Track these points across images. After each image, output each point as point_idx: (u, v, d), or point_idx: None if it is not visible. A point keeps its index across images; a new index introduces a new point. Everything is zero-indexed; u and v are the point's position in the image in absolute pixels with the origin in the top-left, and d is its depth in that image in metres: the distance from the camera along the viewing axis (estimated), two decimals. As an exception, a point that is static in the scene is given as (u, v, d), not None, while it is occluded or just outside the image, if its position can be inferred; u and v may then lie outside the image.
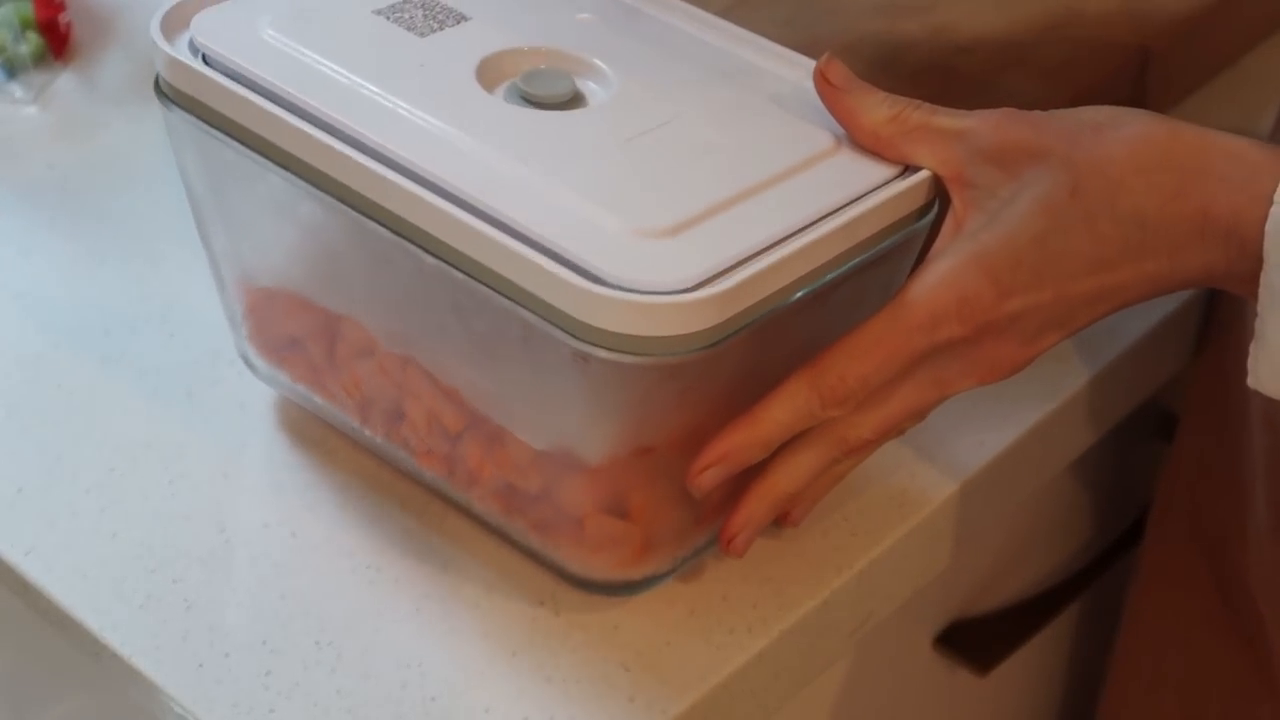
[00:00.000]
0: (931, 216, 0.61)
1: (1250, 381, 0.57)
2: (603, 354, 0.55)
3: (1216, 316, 0.78)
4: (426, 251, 0.57)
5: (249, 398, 0.72)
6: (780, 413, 0.59)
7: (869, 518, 0.68)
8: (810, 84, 0.63)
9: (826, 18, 0.84)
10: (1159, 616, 0.82)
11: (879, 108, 0.61)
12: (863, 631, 0.69)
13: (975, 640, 0.82)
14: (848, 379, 0.58)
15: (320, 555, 0.66)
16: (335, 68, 0.62)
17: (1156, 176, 0.56)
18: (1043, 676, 0.95)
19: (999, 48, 0.82)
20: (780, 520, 0.65)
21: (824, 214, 0.59)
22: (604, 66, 0.64)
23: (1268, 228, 0.53)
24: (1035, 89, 0.80)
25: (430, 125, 0.60)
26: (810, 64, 0.64)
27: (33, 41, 0.89)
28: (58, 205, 0.82)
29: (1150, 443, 0.87)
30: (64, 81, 0.90)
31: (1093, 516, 0.90)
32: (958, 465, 0.70)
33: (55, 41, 0.91)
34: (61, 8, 0.91)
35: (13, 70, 0.89)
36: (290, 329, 0.67)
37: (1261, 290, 0.54)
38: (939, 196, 0.61)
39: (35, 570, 0.66)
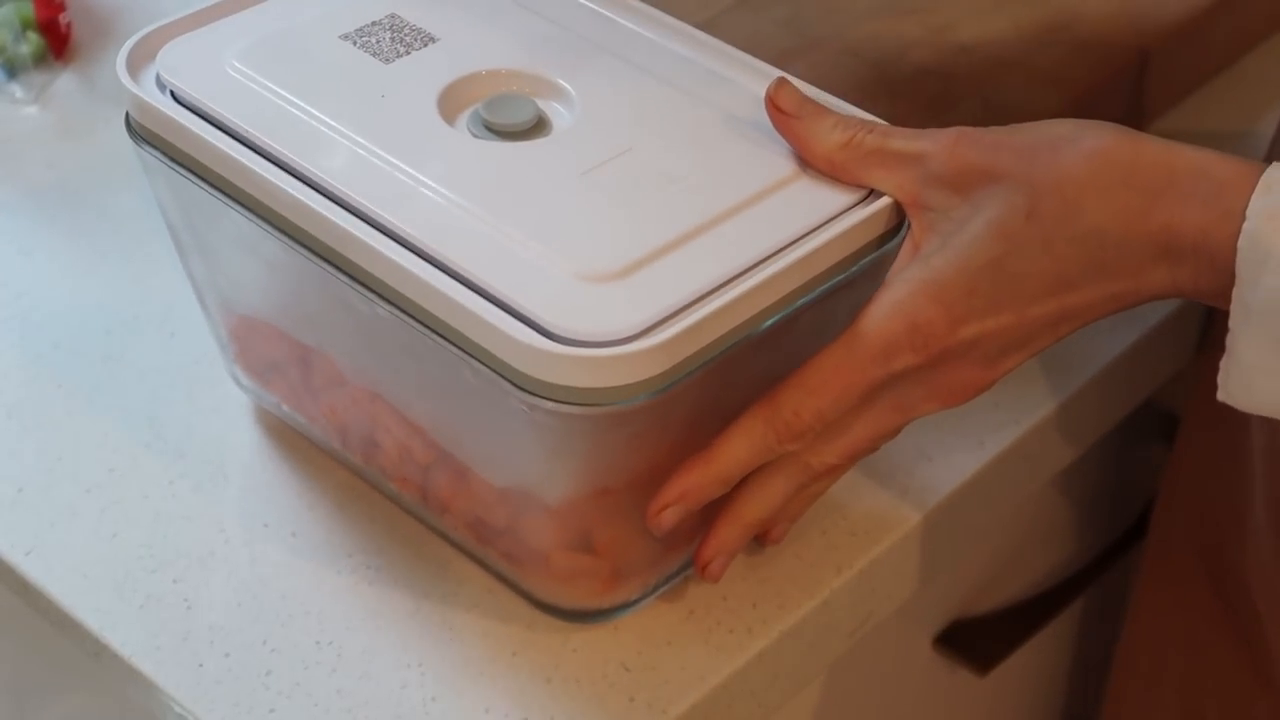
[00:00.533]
0: (900, 240, 0.60)
1: (1220, 395, 0.56)
2: (549, 405, 0.54)
3: (1219, 315, 0.78)
4: (379, 297, 0.57)
5: (249, 398, 0.72)
6: (737, 450, 0.58)
7: (868, 518, 0.68)
8: None
9: (826, 18, 0.84)
10: (1160, 615, 0.82)
11: (832, 134, 0.60)
12: (863, 631, 0.69)
13: (975, 640, 0.82)
14: (803, 415, 0.57)
15: (320, 555, 0.66)
16: (297, 103, 0.61)
17: (1118, 195, 0.55)
18: (1043, 676, 0.95)
19: (999, 49, 0.82)
20: (760, 539, 0.65)
21: (781, 247, 0.57)
22: (568, 88, 0.63)
23: (1240, 244, 0.53)
24: (1035, 90, 0.81)
25: (387, 166, 0.59)
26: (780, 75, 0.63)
27: (33, 41, 0.90)
28: (58, 205, 0.82)
29: (1150, 444, 0.87)
30: (64, 81, 0.90)
31: (1092, 517, 0.90)
32: (957, 466, 0.70)
33: (55, 41, 0.91)
34: (61, 8, 0.91)
35: (13, 70, 0.89)
36: (271, 355, 0.67)
37: (1234, 306, 0.54)
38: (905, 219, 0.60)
39: (35, 570, 0.66)
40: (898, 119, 0.79)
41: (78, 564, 0.66)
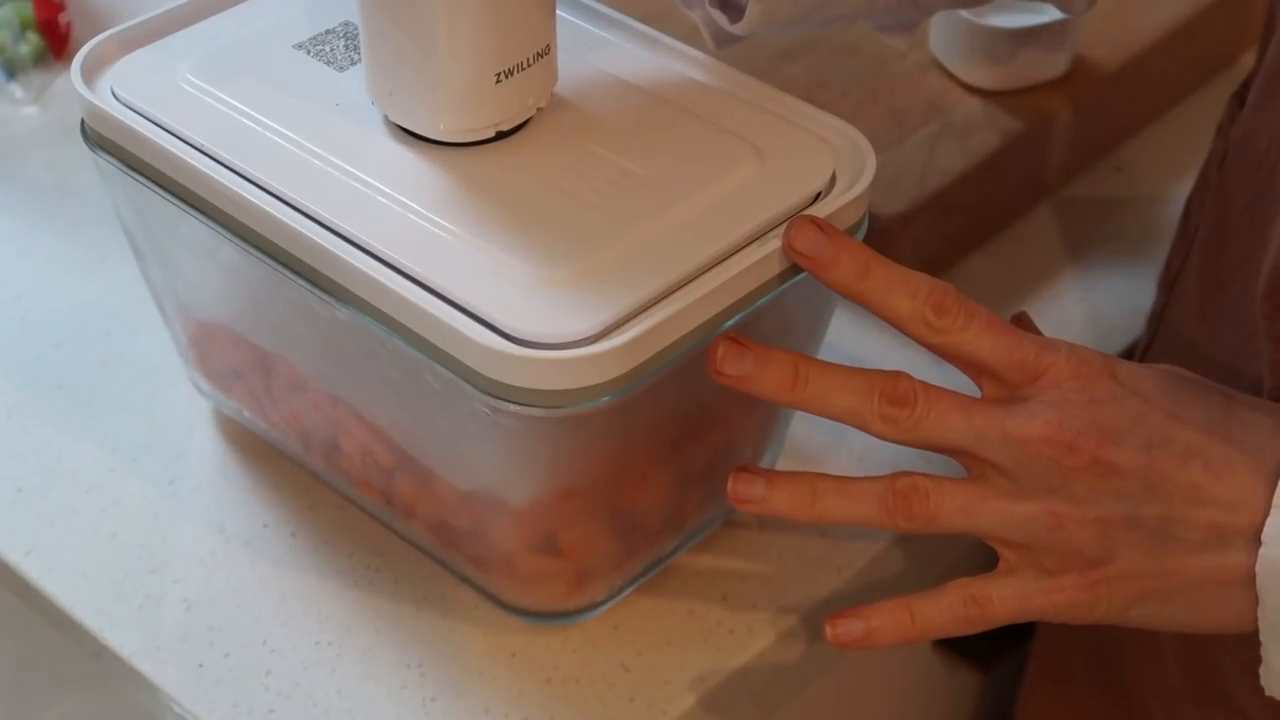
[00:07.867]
0: (863, 234, 0.59)
1: (1268, 690, 0.56)
2: (511, 408, 0.54)
3: None
4: (338, 301, 0.57)
5: (210, 404, 0.72)
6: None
7: (869, 518, 0.68)
8: (738, 98, 0.61)
9: (826, 18, 0.84)
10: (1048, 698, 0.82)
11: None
12: (862, 631, 0.69)
13: (975, 640, 0.82)
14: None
15: (320, 555, 0.66)
16: (252, 114, 0.60)
17: None
18: (1042, 677, 0.95)
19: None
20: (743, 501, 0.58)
21: (742, 244, 0.57)
22: None
23: (1258, 569, 0.52)
24: (1033, 90, 0.81)
25: (341, 173, 0.58)
26: (743, 79, 0.62)
27: (33, 41, 0.90)
28: (58, 205, 0.82)
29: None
30: (64, 81, 0.90)
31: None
32: (958, 465, 0.70)
33: (55, 41, 0.91)
34: (61, 8, 0.91)
35: (13, 70, 0.89)
36: (230, 361, 0.67)
37: (1261, 625, 0.54)
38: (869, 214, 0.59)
39: (35, 570, 0.66)
40: (898, 117, 0.79)
41: (77, 564, 0.66)
